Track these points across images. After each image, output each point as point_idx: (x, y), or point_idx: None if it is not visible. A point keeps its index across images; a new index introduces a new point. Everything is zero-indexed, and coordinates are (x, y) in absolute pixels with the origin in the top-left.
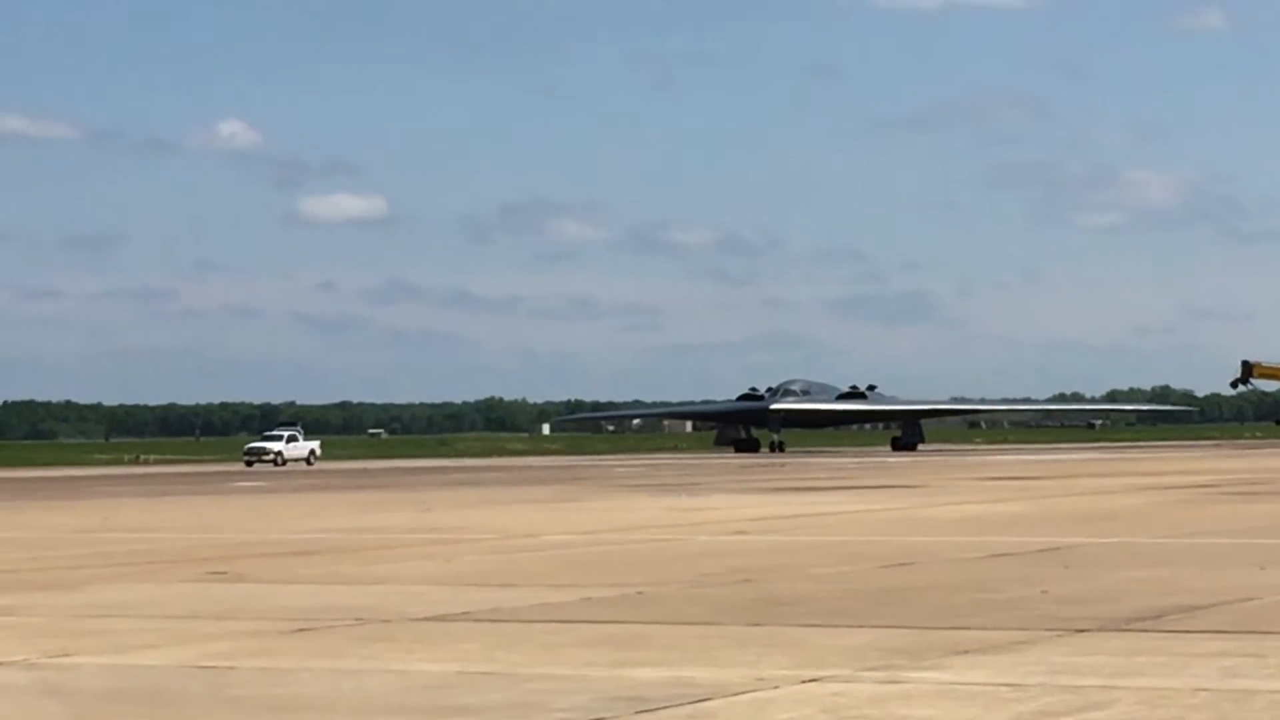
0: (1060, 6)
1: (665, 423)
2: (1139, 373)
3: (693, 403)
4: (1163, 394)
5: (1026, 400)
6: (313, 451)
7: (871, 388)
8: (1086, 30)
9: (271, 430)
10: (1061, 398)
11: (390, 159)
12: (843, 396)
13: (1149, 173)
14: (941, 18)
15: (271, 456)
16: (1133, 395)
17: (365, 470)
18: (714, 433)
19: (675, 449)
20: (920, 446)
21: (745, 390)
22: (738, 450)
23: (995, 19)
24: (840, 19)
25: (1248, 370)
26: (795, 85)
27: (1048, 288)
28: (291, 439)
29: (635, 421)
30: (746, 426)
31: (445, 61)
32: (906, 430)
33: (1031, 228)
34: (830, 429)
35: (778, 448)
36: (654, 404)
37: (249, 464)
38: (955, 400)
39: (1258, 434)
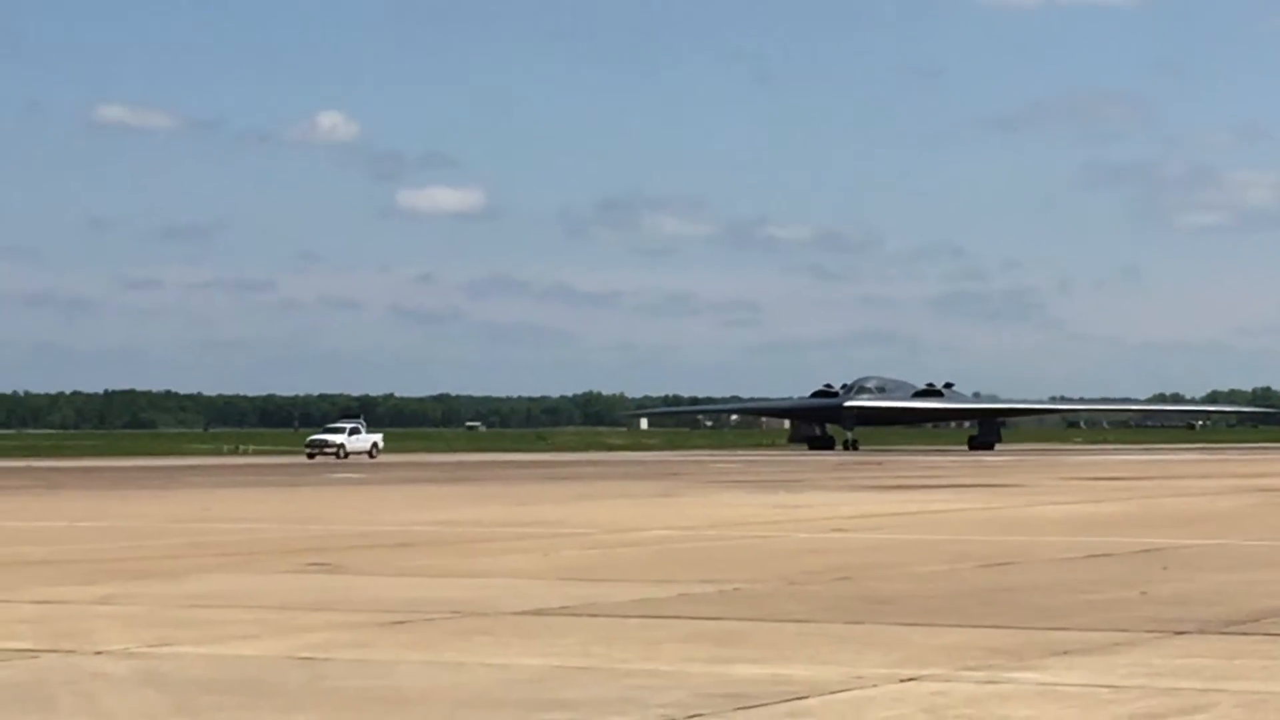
0: (1161, 5)
1: (763, 420)
2: (1239, 373)
3: (768, 399)
4: (1264, 395)
5: (1105, 400)
6: (375, 444)
7: (949, 385)
8: (1187, 29)
9: (335, 422)
10: (1161, 398)
11: (488, 152)
12: (918, 394)
13: (1250, 173)
14: (1042, 15)
15: (334, 449)
16: (1233, 396)
17: (462, 463)
18: None
19: (772, 445)
20: (1002, 446)
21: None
22: (812, 447)
23: (1095, 17)
24: (940, 16)
25: None
26: (894, 82)
27: (1148, 287)
28: (354, 431)
29: (706, 421)
30: (821, 423)
31: (544, 54)
32: (983, 429)
33: (1131, 227)
34: (905, 427)
35: (851, 446)
36: (729, 399)
37: (310, 456)
38: (1054, 400)
39: None
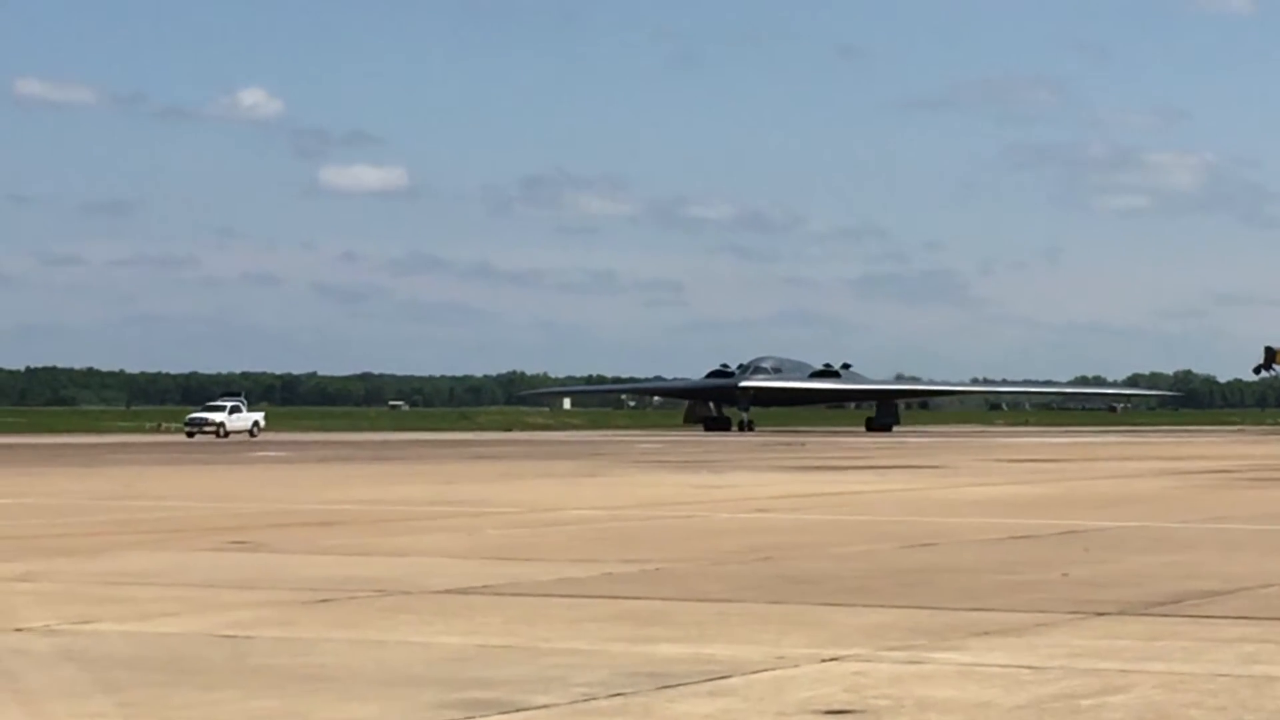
0: None
1: (655, 399)
2: (1161, 357)
3: (663, 379)
4: (1185, 378)
5: (1027, 383)
6: (256, 423)
7: (846, 366)
8: (1111, 12)
9: (215, 400)
10: (1083, 380)
11: (411, 130)
12: (815, 375)
13: (1172, 155)
14: None
15: (213, 427)
16: (1155, 379)
17: (385, 442)
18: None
19: (664, 426)
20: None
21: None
22: (707, 429)
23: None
24: None
25: (1271, 356)
26: (818, 63)
27: (1069, 270)
28: (235, 410)
29: (629, 401)
30: (717, 404)
31: (468, 33)
32: (881, 411)
33: (1053, 209)
34: (803, 408)
35: (746, 426)
36: (652, 379)
37: (190, 434)
38: (975, 382)
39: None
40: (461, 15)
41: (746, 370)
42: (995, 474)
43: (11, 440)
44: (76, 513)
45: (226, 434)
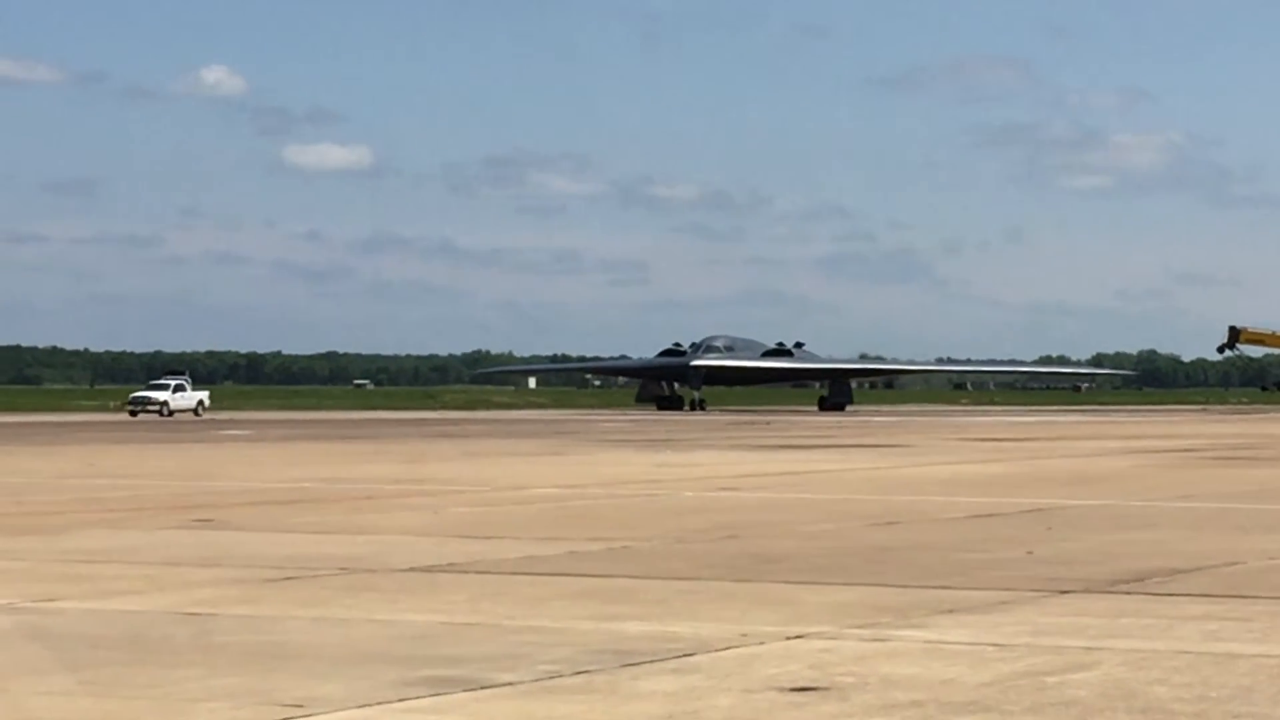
0: None
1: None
2: (1124, 336)
3: (614, 358)
4: (1148, 358)
5: (992, 362)
6: (201, 402)
7: (799, 345)
8: None
9: (158, 379)
10: (1046, 360)
11: (375, 109)
12: (768, 354)
13: (1135, 136)
14: None
15: (156, 406)
16: (1118, 359)
17: (350, 421)
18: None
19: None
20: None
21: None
22: (660, 408)
23: None
24: None
25: (1234, 335)
26: (782, 43)
27: (1033, 250)
28: (179, 389)
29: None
30: (670, 383)
31: (432, 11)
32: (834, 390)
33: (1017, 189)
34: (756, 387)
35: (698, 405)
36: (578, 358)
37: (133, 414)
38: (940, 361)
39: (1243, 399)
40: None
41: (699, 349)
42: (960, 453)
43: None
44: (40, 491)
45: (170, 413)
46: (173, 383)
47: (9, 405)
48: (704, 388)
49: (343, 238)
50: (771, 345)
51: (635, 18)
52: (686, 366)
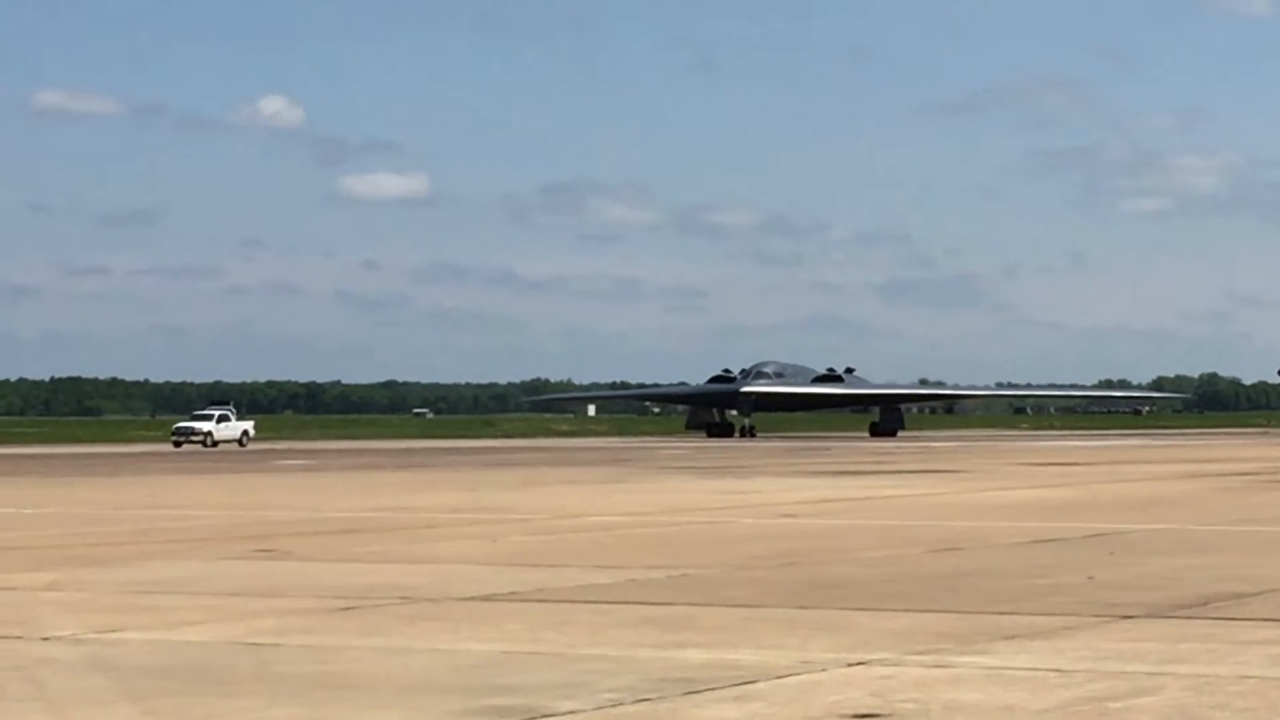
0: None
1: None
2: (1185, 359)
3: (664, 384)
4: (1209, 381)
5: (1053, 386)
6: (246, 432)
7: (850, 370)
8: (1131, 14)
9: (203, 410)
10: (1107, 384)
11: (432, 138)
12: (818, 379)
13: (1194, 158)
14: (984, 1)
15: (200, 437)
16: (1179, 382)
17: (410, 449)
18: None
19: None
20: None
21: (718, 372)
22: (709, 435)
23: (1038, 2)
24: (884, 2)
25: None
26: (839, 68)
27: (1093, 273)
28: (223, 419)
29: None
30: (720, 410)
31: (488, 40)
32: (885, 415)
33: (1076, 213)
34: (806, 413)
35: (748, 432)
36: (622, 385)
37: (176, 444)
38: (1000, 385)
39: None
40: (480, 22)
41: (748, 375)
42: (1020, 478)
43: (37, 450)
44: (102, 522)
45: (215, 443)
46: (217, 413)
47: (70, 436)
48: (754, 414)
49: (401, 267)
50: (823, 371)
51: (690, 44)
52: (736, 393)
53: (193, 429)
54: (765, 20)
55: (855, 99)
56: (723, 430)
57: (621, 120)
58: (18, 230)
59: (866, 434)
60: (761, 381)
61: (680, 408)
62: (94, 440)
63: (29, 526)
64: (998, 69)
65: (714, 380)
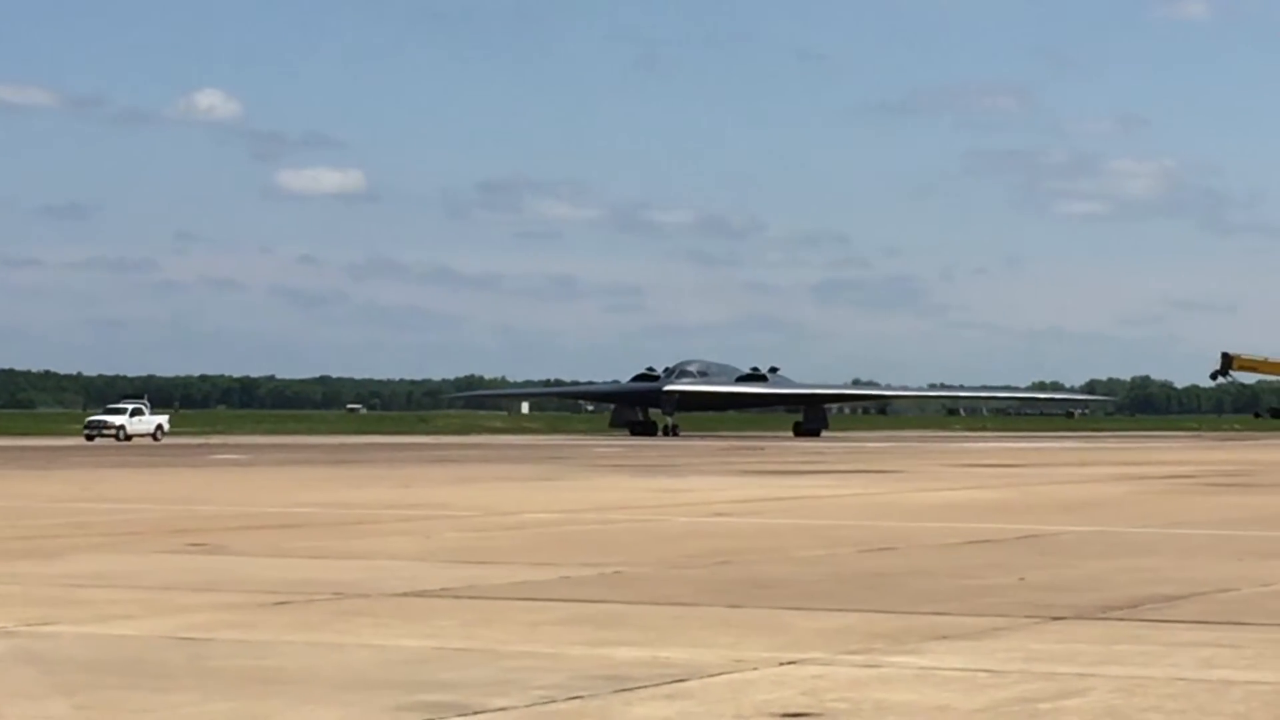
0: None
1: None
2: (1118, 363)
3: (588, 382)
4: (1142, 384)
5: (985, 388)
6: (160, 426)
7: (774, 370)
8: (1069, 18)
9: (116, 403)
10: (1040, 386)
11: (369, 133)
12: (743, 379)
13: (1131, 162)
14: (926, 2)
15: (113, 431)
16: (1112, 385)
17: (343, 445)
18: None
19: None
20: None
21: (642, 370)
22: (633, 433)
23: (979, 5)
24: (825, 2)
25: (1228, 362)
26: (778, 68)
27: (1029, 275)
28: (136, 412)
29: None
30: (644, 408)
31: (426, 35)
32: (809, 415)
33: (1012, 215)
34: (729, 412)
35: (671, 431)
36: (554, 383)
37: (89, 438)
38: (934, 387)
39: (1236, 425)
40: (420, 18)
41: (672, 374)
42: (952, 479)
43: None
44: (34, 515)
45: (128, 437)
46: (130, 407)
47: (2, 429)
48: (678, 413)
49: (337, 262)
50: (747, 370)
51: (631, 42)
52: (659, 391)
53: (105, 422)
54: (706, 18)
55: (795, 99)
56: (646, 429)
57: (561, 117)
58: None
59: (790, 434)
60: (685, 380)
61: (610, 406)
62: (27, 433)
63: None
64: (937, 70)
65: (638, 379)
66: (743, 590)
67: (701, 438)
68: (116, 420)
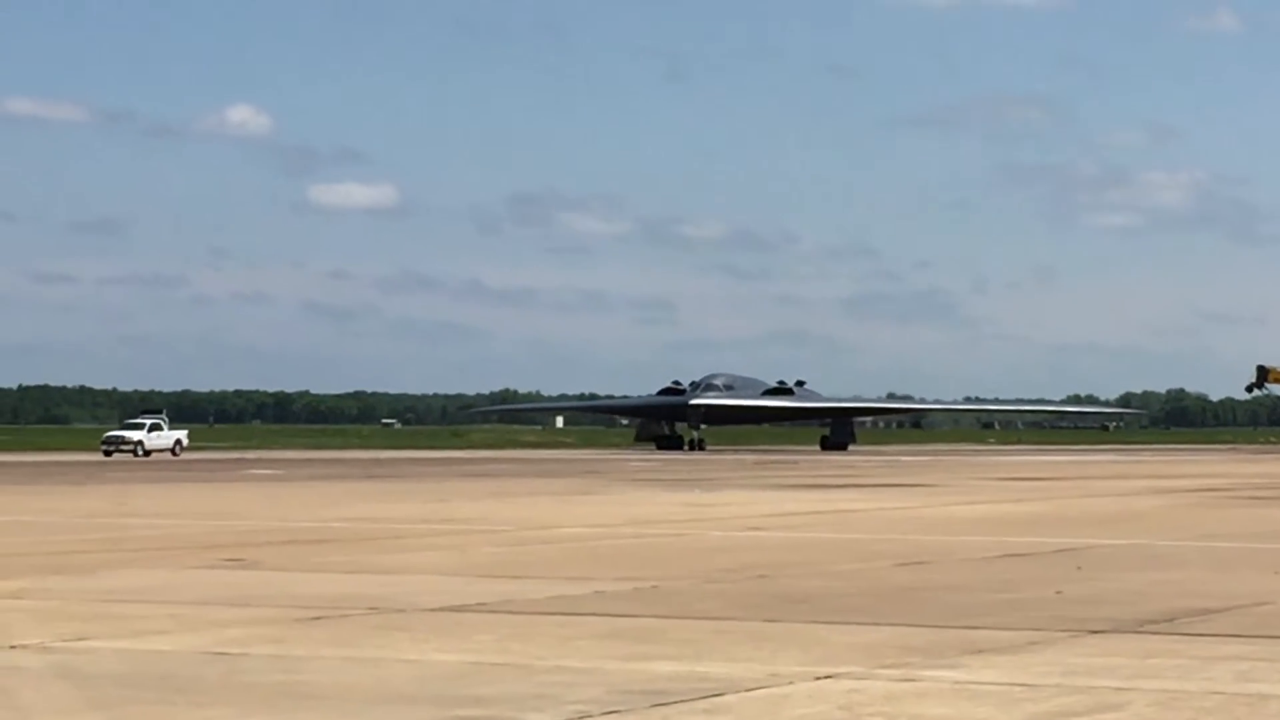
0: (1074, 6)
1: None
2: (1153, 375)
3: (614, 397)
4: (1177, 397)
5: (1020, 400)
6: (179, 441)
7: (800, 383)
8: (1100, 30)
9: (133, 419)
10: (1074, 399)
11: (401, 148)
12: (768, 392)
13: (1162, 174)
14: (956, 16)
15: (131, 446)
16: (1146, 398)
17: (378, 460)
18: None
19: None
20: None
21: (668, 384)
22: (660, 447)
23: (1009, 18)
24: (854, 16)
25: (1263, 375)
26: (809, 81)
27: (1061, 288)
28: (155, 427)
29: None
30: (670, 422)
31: (457, 50)
32: (836, 429)
33: (1044, 228)
34: (756, 426)
35: (697, 445)
36: (588, 397)
37: (107, 454)
38: (968, 400)
39: (1271, 439)
40: (451, 32)
41: (698, 387)
42: (987, 492)
43: (3, 458)
44: (70, 530)
45: (146, 453)
46: (148, 422)
47: (37, 444)
48: (704, 426)
49: (369, 277)
50: (773, 384)
51: (661, 56)
52: (685, 405)
53: (123, 438)
54: (736, 33)
55: (825, 112)
56: (672, 443)
57: (591, 131)
58: None
59: (817, 447)
60: (711, 394)
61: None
62: (61, 448)
63: None
64: (968, 84)
65: (664, 392)
66: (778, 605)
67: (728, 451)
68: (134, 436)
